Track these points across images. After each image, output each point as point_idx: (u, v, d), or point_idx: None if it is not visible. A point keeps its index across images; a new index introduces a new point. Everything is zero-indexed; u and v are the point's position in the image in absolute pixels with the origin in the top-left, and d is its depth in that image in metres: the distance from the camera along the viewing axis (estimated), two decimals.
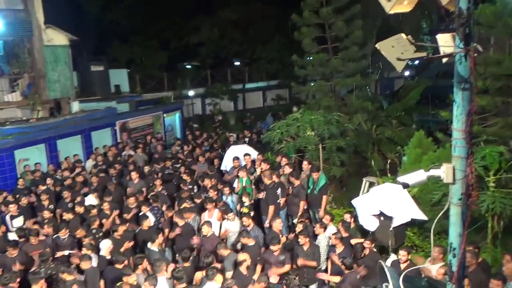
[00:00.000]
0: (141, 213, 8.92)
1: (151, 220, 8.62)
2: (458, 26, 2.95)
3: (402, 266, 6.39)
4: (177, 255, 8.19)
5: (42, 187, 10.53)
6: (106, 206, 9.25)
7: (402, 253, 6.51)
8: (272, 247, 7.01)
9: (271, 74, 27.90)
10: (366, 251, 6.88)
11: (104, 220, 8.95)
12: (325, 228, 7.62)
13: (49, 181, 11.04)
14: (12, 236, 8.68)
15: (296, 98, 26.52)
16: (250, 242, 7.33)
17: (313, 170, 9.19)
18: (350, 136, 12.11)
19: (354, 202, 8.31)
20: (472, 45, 2.96)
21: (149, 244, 7.44)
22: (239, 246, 8.00)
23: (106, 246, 7.44)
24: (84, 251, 7.27)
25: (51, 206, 9.84)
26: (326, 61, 13.65)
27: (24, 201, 9.78)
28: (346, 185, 12.02)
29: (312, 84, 14.30)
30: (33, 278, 6.27)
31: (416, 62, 23.99)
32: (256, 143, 15.04)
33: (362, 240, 7.11)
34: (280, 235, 7.72)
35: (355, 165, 12.53)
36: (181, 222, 8.13)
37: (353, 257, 6.90)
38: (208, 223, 7.79)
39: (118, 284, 6.32)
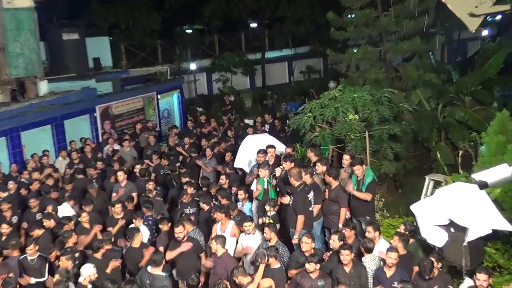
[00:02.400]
0: (131, 225, 9.05)
1: (144, 235, 8.73)
2: None
3: None
4: (179, 281, 8.29)
5: (3, 194, 10.71)
6: (84, 217, 9.39)
7: (482, 277, 6.41)
8: (308, 266, 6.99)
9: (299, 39, 27.72)
10: (435, 272, 6.83)
11: (83, 236, 9.09)
12: (368, 249, 7.53)
13: (11, 185, 11.22)
14: None
15: (333, 70, 26.37)
16: (275, 264, 7.32)
17: (355, 164, 9.16)
18: (407, 120, 11.96)
19: (414, 208, 8.20)
20: None
21: (149, 268, 7.48)
22: None
23: (88, 272, 7.48)
24: (57, 277, 7.36)
25: (14, 218, 10.02)
26: (374, 19, 13.47)
27: None
28: (402, 186, 11.94)
29: (355, 51, 14.17)
30: None
31: (498, 17, 23.43)
32: (281, 131, 15.03)
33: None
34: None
35: (415, 159, 12.42)
36: (179, 235, 8.11)
37: (418, 278, 6.84)
38: (220, 238, 7.79)
39: None
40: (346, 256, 7.15)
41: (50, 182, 11.50)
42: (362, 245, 7.54)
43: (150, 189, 10.59)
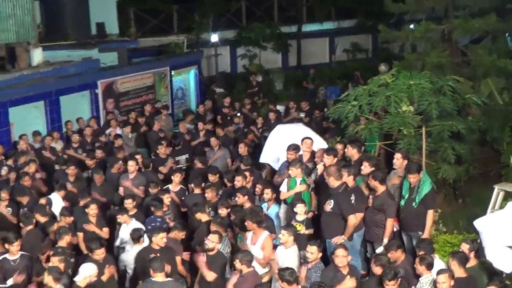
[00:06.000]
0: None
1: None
2: None
3: None
4: None
5: None
6: (93, 209, 9.60)
7: None
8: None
9: (344, 10, 27.57)
10: None
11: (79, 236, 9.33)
12: (429, 265, 7.51)
13: (4, 171, 11.51)
14: None
15: (385, 50, 26.10)
16: None
17: (411, 171, 9.08)
18: (474, 116, 11.82)
19: (478, 224, 8.16)
20: None
21: (153, 278, 7.59)
22: None
23: (88, 272, 7.60)
24: (46, 281, 7.46)
25: (9, 210, 10.31)
26: None
27: None
28: (463, 195, 11.83)
29: (413, 28, 13.99)
30: None
31: None
32: (320, 121, 15.01)
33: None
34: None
35: (481, 163, 12.25)
36: (209, 244, 8.24)
37: None
38: (246, 258, 7.78)
39: None
40: (392, 286, 7.10)
41: (33, 169, 11.72)
42: (421, 261, 7.48)
43: (175, 182, 10.90)
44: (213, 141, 13.02)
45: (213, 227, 8.66)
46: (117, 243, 9.63)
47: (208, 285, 8.26)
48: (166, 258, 8.00)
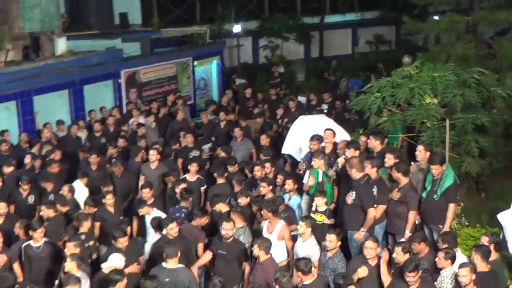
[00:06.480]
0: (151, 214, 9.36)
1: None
2: None
3: None
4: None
5: (7, 169, 11.18)
6: (109, 200, 9.67)
7: None
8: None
9: (367, 1, 27.43)
10: None
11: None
12: (453, 259, 7.48)
13: (28, 159, 11.65)
14: None
15: (409, 42, 25.88)
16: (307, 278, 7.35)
17: (434, 162, 9.03)
18: (498, 109, 11.71)
19: (502, 217, 8.14)
20: None
21: (165, 264, 7.70)
22: None
23: (115, 262, 7.70)
24: (69, 267, 7.55)
25: (31, 198, 10.45)
26: None
27: None
28: (486, 189, 11.77)
29: (438, 19, 13.89)
30: None
31: None
32: (341, 113, 14.96)
33: None
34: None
35: (505, 157, 12.16)
36: (227, 232, 8.23)
37: None
38: (264, 243, 7.84)
39: None
40: (412, 278, 7.09)
41: (57, 155, 11.86)
42: (446, 255, 7.45)
43: (192, 171, 10.89)
44: (237, 131, 12.98)
45: (232, 216, 8.68)
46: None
47: (224, 271, 8.26)
48: (181, 247, 7.97)
